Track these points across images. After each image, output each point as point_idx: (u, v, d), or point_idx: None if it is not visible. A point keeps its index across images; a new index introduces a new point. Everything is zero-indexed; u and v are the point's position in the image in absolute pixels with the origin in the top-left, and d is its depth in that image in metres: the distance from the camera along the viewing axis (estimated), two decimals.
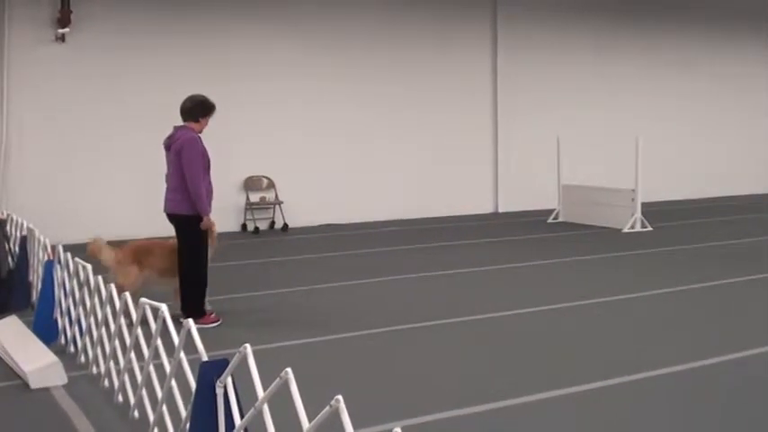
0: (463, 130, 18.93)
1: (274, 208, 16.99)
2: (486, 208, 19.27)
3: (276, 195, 16.89)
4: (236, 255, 13.09)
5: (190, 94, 8.88)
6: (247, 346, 4.20)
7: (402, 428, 3.58)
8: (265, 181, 16.94)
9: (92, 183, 15.43)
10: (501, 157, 19.37)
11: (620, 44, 21.04)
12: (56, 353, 7.11)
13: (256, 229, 16.59)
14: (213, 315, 8.79)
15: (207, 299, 8.79)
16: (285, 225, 16.82)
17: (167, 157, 8.75)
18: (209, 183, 8.67)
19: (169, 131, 8.79)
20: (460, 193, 18.90)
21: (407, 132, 18.30)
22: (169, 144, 8.69)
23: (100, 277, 6.87)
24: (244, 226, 16.67)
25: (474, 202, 19.10)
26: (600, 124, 20.59)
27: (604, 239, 14.78)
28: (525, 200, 19.39)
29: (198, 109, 8.73)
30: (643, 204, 16.15)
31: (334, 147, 17.55)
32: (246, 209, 16.74)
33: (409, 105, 18.31)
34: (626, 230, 15.71)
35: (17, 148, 14.79)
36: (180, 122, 8.77)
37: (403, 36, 18.20)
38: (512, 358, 7.37)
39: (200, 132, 8.73)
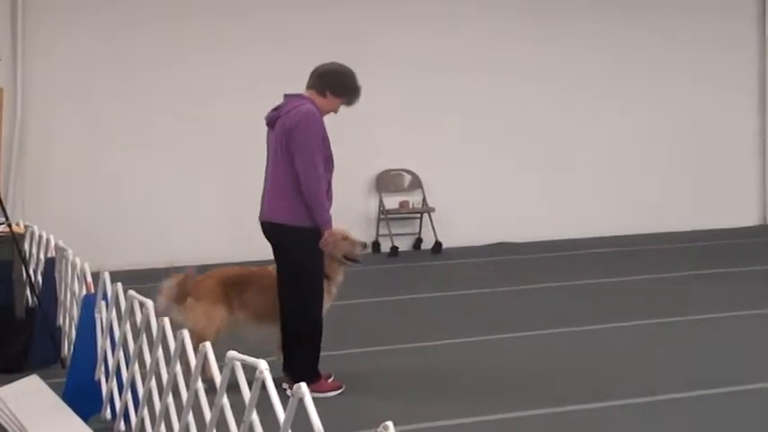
0: (710, 108, 18.86)
1: (421, 218, 17.06)
2: (749, 219, 19.12)
3: (424, 200, 16.96)
4: (363, 288, 13.07)
5: (319, 62, 8.92)
6: (389, 425, 4.27)
7: None
8: (408, 178, 17.03)
9: (148, 181, 15.71)
10: None
11: None
12: None
13: (394, 249, 16.68)
14: (332, 379, 8.86)
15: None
16: (437, 244, 16.86)
17: (269, 138, 8.79)
18: (329, 183, 8.71)
19: (277, 101, 8.82)
20: (707, 197, 18.77)
21: (626, 111, 18.28)
22: (274, 118, 8.70)
23: (167, 320, 6.91)
24: (376, 245, 16.76)
25: (729, 209, 18.92)
26: None
27: None
28: None
29: (332, 79, 8.76)
30: None
31: (513, 131, 17.53)
32: (380, 219, 16.87)
33: (630, 74, 18.30)
34: None
35: (39, 129, 15.18)
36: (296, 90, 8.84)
37: None
38: None
39: (324, 114, 8.75)
